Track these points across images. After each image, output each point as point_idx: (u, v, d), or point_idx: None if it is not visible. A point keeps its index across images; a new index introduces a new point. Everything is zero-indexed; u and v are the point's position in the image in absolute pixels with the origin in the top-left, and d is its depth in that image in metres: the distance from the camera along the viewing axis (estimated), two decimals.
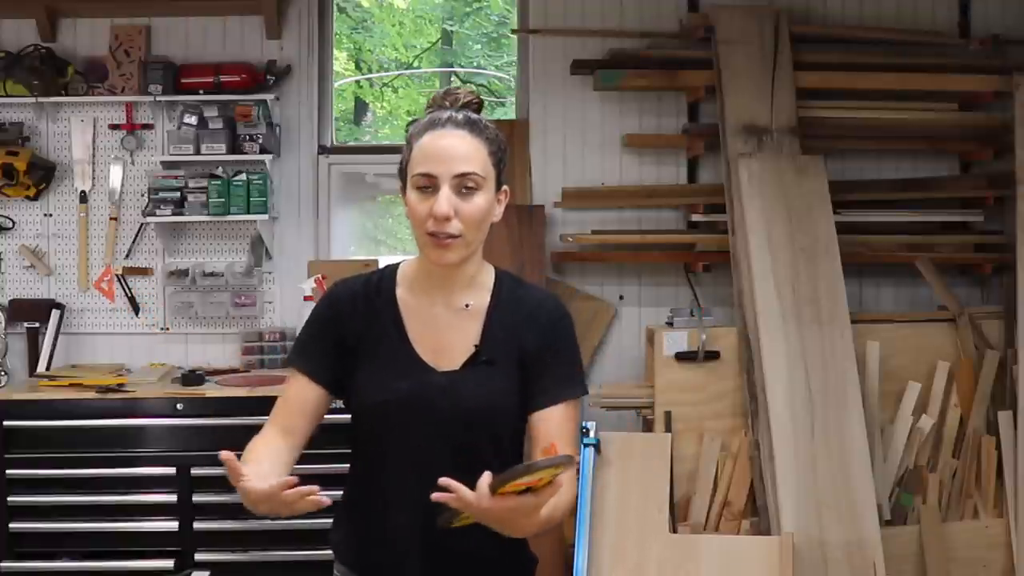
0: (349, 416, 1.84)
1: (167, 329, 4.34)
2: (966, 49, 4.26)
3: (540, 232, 4.11)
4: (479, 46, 9.65)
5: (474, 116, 1.77)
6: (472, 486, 1.49)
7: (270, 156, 4.19)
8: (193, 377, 3.91)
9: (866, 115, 4.15)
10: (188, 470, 3.71)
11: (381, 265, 2.03)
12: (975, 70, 4.18)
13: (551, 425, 1.77)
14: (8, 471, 3.72)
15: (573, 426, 1.82)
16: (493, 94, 9.10)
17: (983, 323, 3.92)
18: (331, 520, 1.92)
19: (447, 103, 1.79)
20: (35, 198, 4.28)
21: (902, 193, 4.23)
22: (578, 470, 3.06)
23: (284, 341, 4.24)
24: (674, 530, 3.54)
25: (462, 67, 9.68)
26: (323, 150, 4.44)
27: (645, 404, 3.79)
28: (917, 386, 3.79)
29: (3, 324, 4.23)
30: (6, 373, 4.16)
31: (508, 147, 1.84)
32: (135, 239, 4.32)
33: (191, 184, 4.17)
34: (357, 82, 9.39)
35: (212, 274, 4.27)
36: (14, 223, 4.32)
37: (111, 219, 4.31)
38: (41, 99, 4.20)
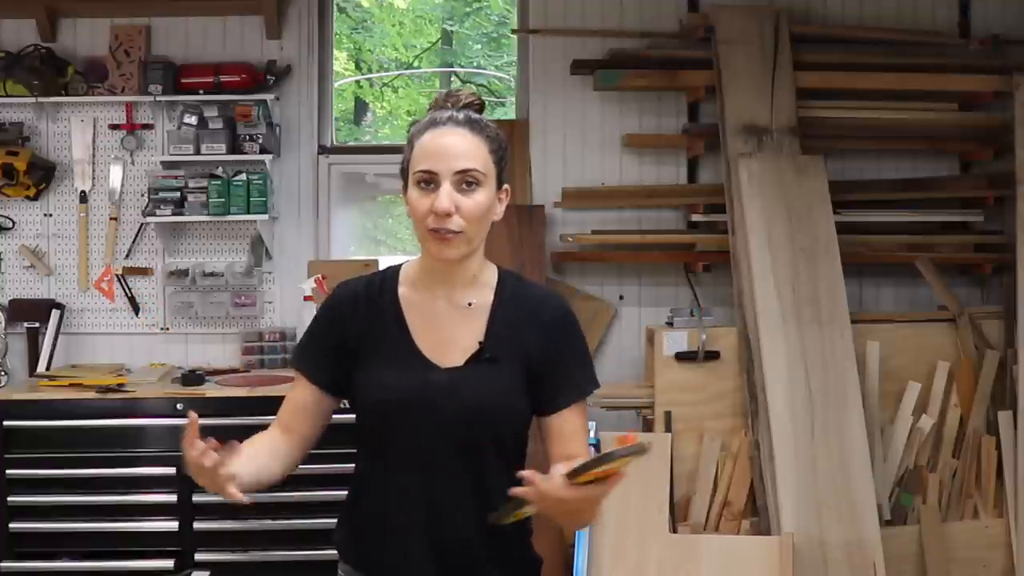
0: (353, 416, 1.84)
1: (167, 329, 4.34)
2: (966, 49, 4.26)
3: (540, 232, 4.11)
4: (479, 46, 9.64)
5: (475, 115, 1.78)
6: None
7: (270, 156, 4.18)
8: (193, 377, 3.91)
9: (866, 115, 4.15)
10: None
11: (381, 266, 2.04)
12: (975, 70, 4.18)
13: (570, 424, 1.79)
14: (8, 471, 3.72)
15: (586, 422, 1.86)
16: (493, 94, 9.09)
17: (983, 323, 3.93)
18: (333, 520, 1.91)
19: (449, 104, 1.80)
20: (35, 198, 4.28)
21: (902, 193, 4.23)
22: None
23: (284, 341, 4.24)
24: (674, 530, 3.54)
25: (462, 67, 9.67)
26: (323, 150, 4.44)
27: (645, 404, 3.79)
28: (917, 386, 3.80)
29: (3, 324, 4.23)
30: (6, 373, 4.16)
31: (509, 146, 1.84)
32: (135, 239, 4.32)
33: (191, 184, 4.16)
34: (357, 82, 9.38)
35: (212, 274, 4.27)
36: (14, 223, 4.32)
37: (111, 219, 4.31)
38: (41, 99, 4.19)
